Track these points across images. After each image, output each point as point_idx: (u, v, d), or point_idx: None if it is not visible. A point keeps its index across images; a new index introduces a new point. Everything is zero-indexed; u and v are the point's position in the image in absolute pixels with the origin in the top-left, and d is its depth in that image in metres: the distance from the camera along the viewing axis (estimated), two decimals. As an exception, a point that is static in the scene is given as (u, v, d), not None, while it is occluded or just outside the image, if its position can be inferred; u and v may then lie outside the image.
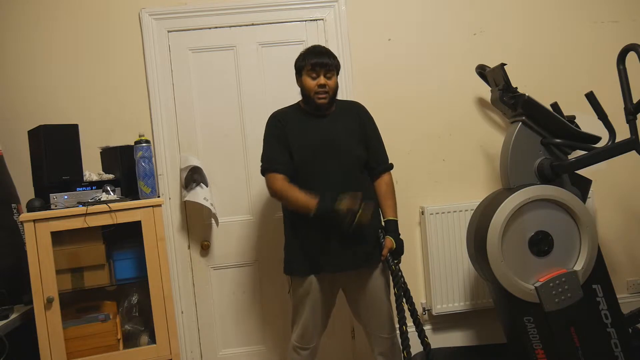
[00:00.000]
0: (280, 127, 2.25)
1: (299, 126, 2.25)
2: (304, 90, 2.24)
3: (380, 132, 2.37)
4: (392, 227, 2.27)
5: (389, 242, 2.21)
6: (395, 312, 2.22)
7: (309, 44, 2.84)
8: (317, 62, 2.19)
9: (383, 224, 2.29)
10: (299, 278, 2.24)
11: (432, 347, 2.97)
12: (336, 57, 2.26)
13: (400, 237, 2.28)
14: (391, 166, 2.36)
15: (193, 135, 2.83)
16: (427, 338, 2.21)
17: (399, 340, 2.20)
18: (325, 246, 2.18)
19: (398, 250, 2.24)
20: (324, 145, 2.21)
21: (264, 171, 2.24)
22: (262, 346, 2.92)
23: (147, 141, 2.43)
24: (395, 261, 2.21)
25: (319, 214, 2.07)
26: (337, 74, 2.26)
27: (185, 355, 2.82)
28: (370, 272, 2.25)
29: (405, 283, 2.18)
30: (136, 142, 2.42)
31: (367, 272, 2.25)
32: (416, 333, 2.21)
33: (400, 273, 2.18)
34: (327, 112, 2.27)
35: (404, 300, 2.18)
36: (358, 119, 2.31)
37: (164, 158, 2.79)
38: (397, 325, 2.22)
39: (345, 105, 2.36)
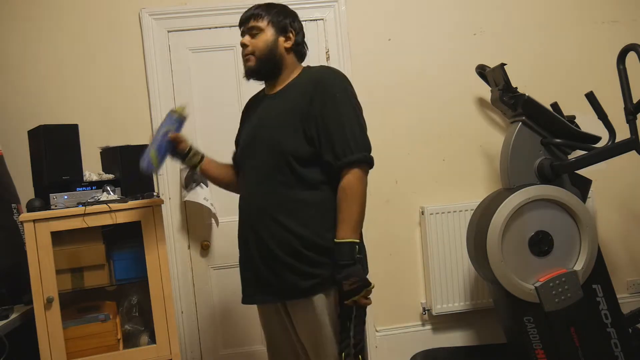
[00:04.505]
0: (242, 115, 2.04)
1: (247, 112, 1.98)
2: None
3: (353, 114, 1.68)
4: (339, 257, 1.60)
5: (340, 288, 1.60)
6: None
7: (309, 44, 2.85)
8: (240, 22, 1.81)
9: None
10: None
11: (432, 347, 2.98)
12: (271, 7, 1.78)
13: (355, 266, 1.59)
14: (357, 159, 1.63)
15: (193, 135, 2.82)
16: None
17: None
18: (243, 274, 1.85)
19: (347, 292, 1.57)
20: (248, 137, 1.83)
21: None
22: (262, 346, 2.91)
23: (183, 117, 2.01)
24: (349, 312, 1.57)
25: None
26: (277, 29, 1.77)
27: (185, 355, 2.82)
28: (308, 302, 1.69)
29: (361, 344, 1.61)
30: (171, 111, 2.01)
31: (303, 302, 1.70)
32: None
33: (351, 334, 1.56)
34: (275, 89, 1.81)
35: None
36: (307, 96, 1.68)
37: (164, 158, 2.78)
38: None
39: (304, 78, 1.77)
